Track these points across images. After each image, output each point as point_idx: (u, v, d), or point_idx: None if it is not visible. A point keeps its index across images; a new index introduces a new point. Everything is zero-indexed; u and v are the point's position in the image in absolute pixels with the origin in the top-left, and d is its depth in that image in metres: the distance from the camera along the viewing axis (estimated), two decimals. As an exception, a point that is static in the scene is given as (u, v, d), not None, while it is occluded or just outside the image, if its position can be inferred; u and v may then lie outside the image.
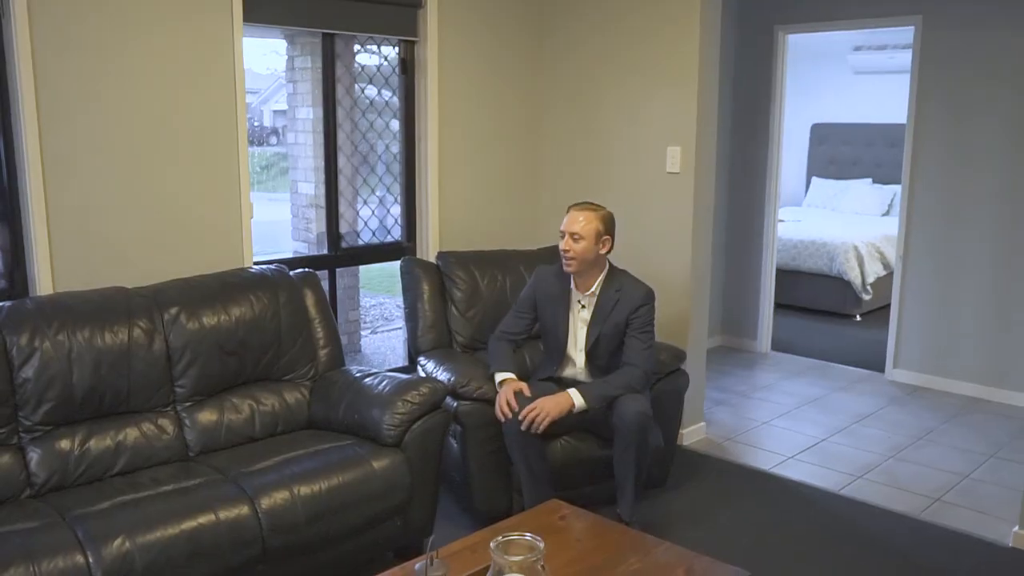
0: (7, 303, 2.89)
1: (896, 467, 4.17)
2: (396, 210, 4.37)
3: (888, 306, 7.50)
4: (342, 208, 4.14)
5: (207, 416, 3.16)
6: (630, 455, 3.18)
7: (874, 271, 7.13)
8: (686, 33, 4.08)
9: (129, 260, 3.34)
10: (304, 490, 2.79)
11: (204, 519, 2.58)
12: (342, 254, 4.15)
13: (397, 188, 4.34)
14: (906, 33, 8.13)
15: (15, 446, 2.79)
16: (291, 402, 3.35)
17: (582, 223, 3.33)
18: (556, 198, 4.74)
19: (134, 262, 3.35)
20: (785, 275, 7.02)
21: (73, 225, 3.18)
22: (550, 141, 4.76)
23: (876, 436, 4.57)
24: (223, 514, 2.62)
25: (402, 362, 5.65)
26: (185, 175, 3.45)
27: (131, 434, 2.97)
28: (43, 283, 3.13)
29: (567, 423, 3.28)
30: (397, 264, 4.05)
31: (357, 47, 4.16)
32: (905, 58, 8.30)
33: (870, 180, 8.75)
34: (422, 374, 3.64)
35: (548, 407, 3.16)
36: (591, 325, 3.41)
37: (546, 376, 3.52)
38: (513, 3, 4.53)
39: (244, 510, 2.66)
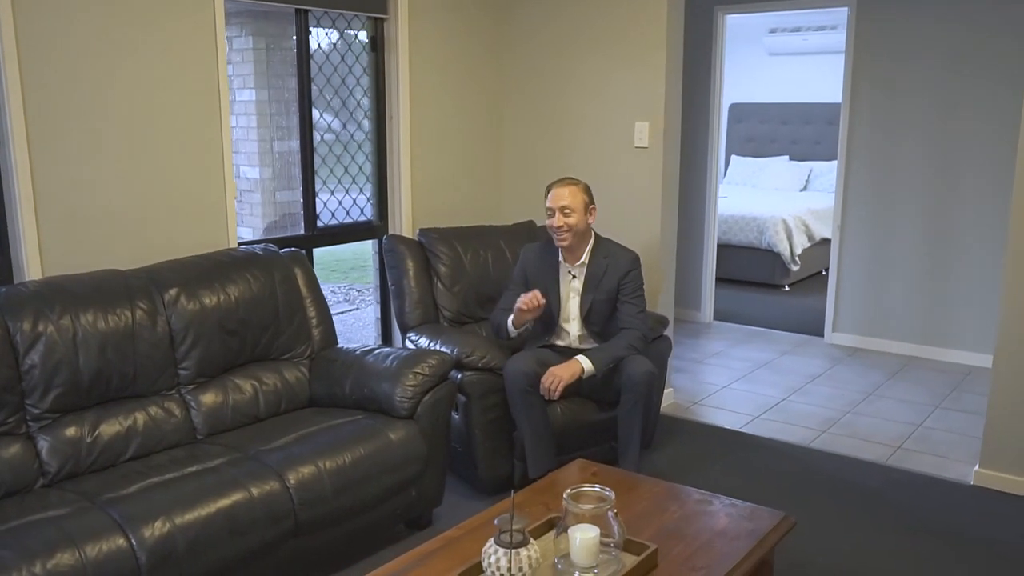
0: (2, 288, 2.78)
1: (855, 420, 4.44)
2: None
3: (813, 276, 7.96)
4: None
5: (211, 397, 3.10)
6: (637, 413, 3.29)
7: (801, 243, 7.48)
8: (653, 9, 4.20)
9: (115, 242, 3.23)
10: (329, 463, 2.80)
11: (238, 496, 2.56)
12: (318, 234, 4.11)
13: (355, 169, 4.30)
14: (819, 16, 8.59)
15: (24, 435, 2.69)
16: (292, 381, 3.33)
17: (569, 197, 3.42)
18: (524, 174, 4.81)
19: (121, 244, 3.25)
20: (718, 249, 7.28)
21: (60, 209, 3.06)
22: (518, 117, 4.81)
23: (829, 394, 4.83)
24: (255, 490, 2.60)
25: (368, 343, 5.60)
26: (170, 156, 3.36)
27: (140, 418, 2.90)
28: (31, 267, 3.00)
29: (570, 389, 3.37)
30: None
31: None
32: (818, 40, 8.78)
33: (787, 157, 9.15)
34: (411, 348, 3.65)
35: (561, 373, 3.25)
36: (584, 293, 3.51)
37: (540, 345, 3.60)
38: (475, -19, 4.56)
39: (275, 485, 2.65)
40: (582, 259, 3.53)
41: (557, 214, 3.43)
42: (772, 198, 8.10)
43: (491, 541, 2.04)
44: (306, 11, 3.89)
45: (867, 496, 3.58)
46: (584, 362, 3.30)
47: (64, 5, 2.99)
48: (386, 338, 4.51)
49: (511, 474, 3.52)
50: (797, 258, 7.42)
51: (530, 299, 3.33)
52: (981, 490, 3.64)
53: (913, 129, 5.31)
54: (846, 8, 5.46)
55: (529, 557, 2.00)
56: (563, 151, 4.64)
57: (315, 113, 4.03)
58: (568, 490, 2.13)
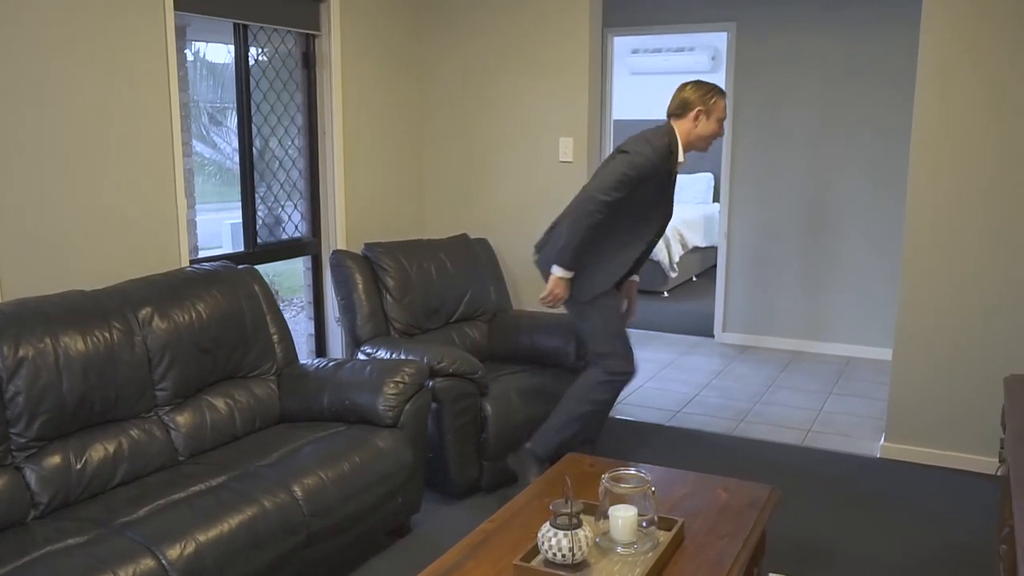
0: (-28, 312, 2.63)
1: (764, 409, 4.84)
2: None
3: (686, 282, 8.48)
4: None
5: (188, 418, 3.04)
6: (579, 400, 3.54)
7: (677, 251, 7.98)
8: (574, 28, 4.45)
9: (70, 263, 3.11)
10: (330, 473, 2.83)
11: (252, 511, 2.55)
12: (258, 251, 4.07)
13: (289, 185, 4.29)
14: (678, 39, 9.20)
15: (11, 466, 2.55)
16: (263, 397, 3.30)
17: None
18: (450, 189, 4.92)
19: (75, 264, 3.12)
20: (603, 259, 7.65)
21: (14, 230, 2.92)
22: (445, 133, 4.89)
23: (734, 388, 5.23)
24: (268, 503, 2.60)
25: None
26: (122, 174, 3.26)
27: (124, 442, 2.81)
28: (-9, 291, 2.85)
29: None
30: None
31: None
32: (677, 60, 9.40)
33: (652, 171, 9.69)
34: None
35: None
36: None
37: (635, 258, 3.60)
38: None
39: (285, 497, 2.66)
40: (682, 159, 3.57)
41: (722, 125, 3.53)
42: (644, 210, 8.57)
43: (547, 525, 2.16)
44: (245, 26, 3.86)
45: (795, 474, 3.94)
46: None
47: (11, 24, 2.87)
48: (320, 353, 4.50)
49: (479, 477, 3.63)
50: (675, 265, 7.91)
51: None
52: (888, 461, 4.09)
53: (792, 141, 5.85)
54: (725, 33, 5.95)
55: (586, 537, 2.15)
56: (490, 166, 4.80)
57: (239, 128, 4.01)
58: (607, 473, 2.29)
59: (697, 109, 3.45)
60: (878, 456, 4.15)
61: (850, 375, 5.46)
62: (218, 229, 8.34)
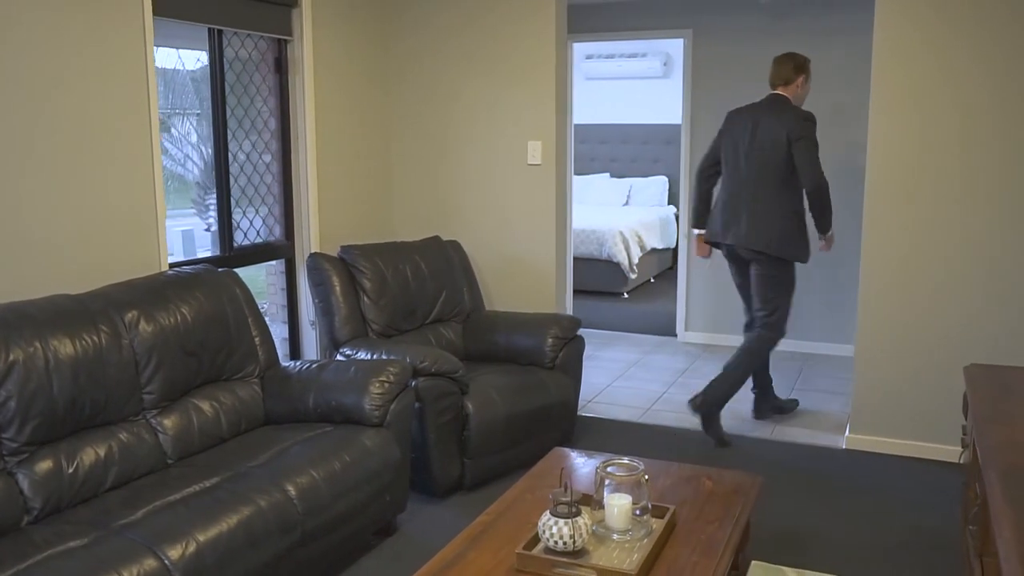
0: (-42, 317, 2.61)
1: (732, 405, 4.89)
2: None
3: (645, 283, 8.62)
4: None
5: (175, 420, 3.04)
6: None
7: (636, 253, 8.11)
8: (542, 33, 4.53)
9: (50, 268, 3.09)
10: (321, 472, 2.86)
11: (249, 510, 2.58)
12: (234, 254, 4.07)
13: (263, 189, 4.30)
14: (631, 45, 9.36)
15: (3, 471, 2.54)
16: (247, 399, 3.32)
17: None
18: (421, 192, 4.96)
19: (55, 269, 3.10)
20: (564, 261, 7.74)
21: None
22: (415, 137, 4.92)
23: (701, 385, 5.28)
24: (263, 502, 2.62)
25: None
26: (101, 179, 3.25)
27: (114, 446, 2.81)
28: (-27, 296, 2.83)
29: None
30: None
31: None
32: (630, 66, 9.56)
33: (608, 174, 9.84)
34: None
35: None
36: None
37: None
38: (376, 4, 4.69)
39: (279, 496, 2.68)
40: None
41: None
42: (601, 213, 8.70)
43: (547, 514, 2.23)
44: (220, 31, 3.87)
45: (766, 466, 4.07)
46: None
47: None
48: (294, 356, 4.50)
49: (462, 475, 3.68)
50: (635, 267, 8.04)
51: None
52: (854, 452, 4.24)
53: (747, 146, 6.00)
54: (681, 40, 6.10)
55: (585, 524, 2.22)
56: (460, 168, 4.85)
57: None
58: (599, 461, 2.37)
59: (803, 75, 4.08)
60: (844, 447, 4.30)
61: (810, 371, 5.63)
62: (168, 237, 8.25)
